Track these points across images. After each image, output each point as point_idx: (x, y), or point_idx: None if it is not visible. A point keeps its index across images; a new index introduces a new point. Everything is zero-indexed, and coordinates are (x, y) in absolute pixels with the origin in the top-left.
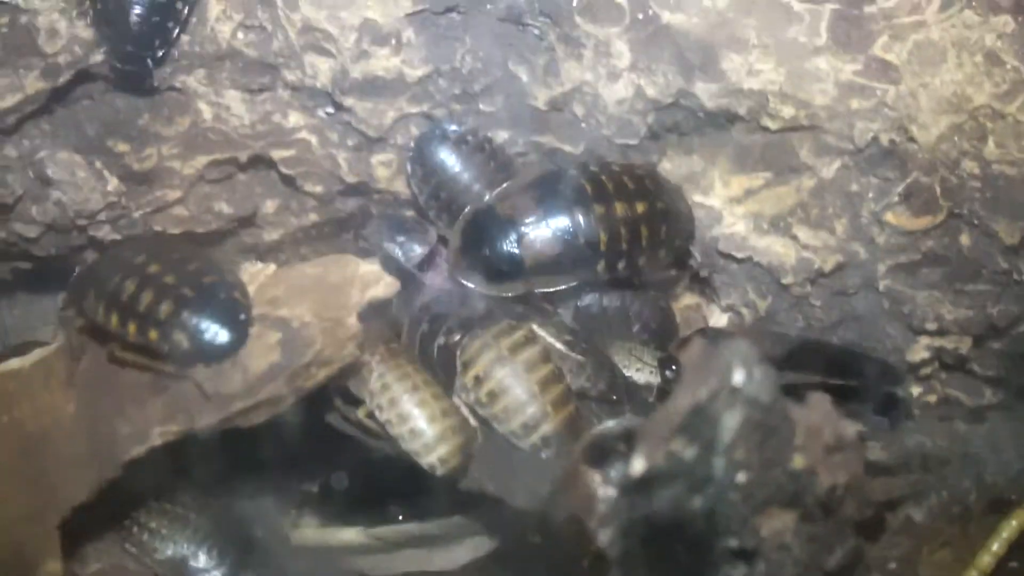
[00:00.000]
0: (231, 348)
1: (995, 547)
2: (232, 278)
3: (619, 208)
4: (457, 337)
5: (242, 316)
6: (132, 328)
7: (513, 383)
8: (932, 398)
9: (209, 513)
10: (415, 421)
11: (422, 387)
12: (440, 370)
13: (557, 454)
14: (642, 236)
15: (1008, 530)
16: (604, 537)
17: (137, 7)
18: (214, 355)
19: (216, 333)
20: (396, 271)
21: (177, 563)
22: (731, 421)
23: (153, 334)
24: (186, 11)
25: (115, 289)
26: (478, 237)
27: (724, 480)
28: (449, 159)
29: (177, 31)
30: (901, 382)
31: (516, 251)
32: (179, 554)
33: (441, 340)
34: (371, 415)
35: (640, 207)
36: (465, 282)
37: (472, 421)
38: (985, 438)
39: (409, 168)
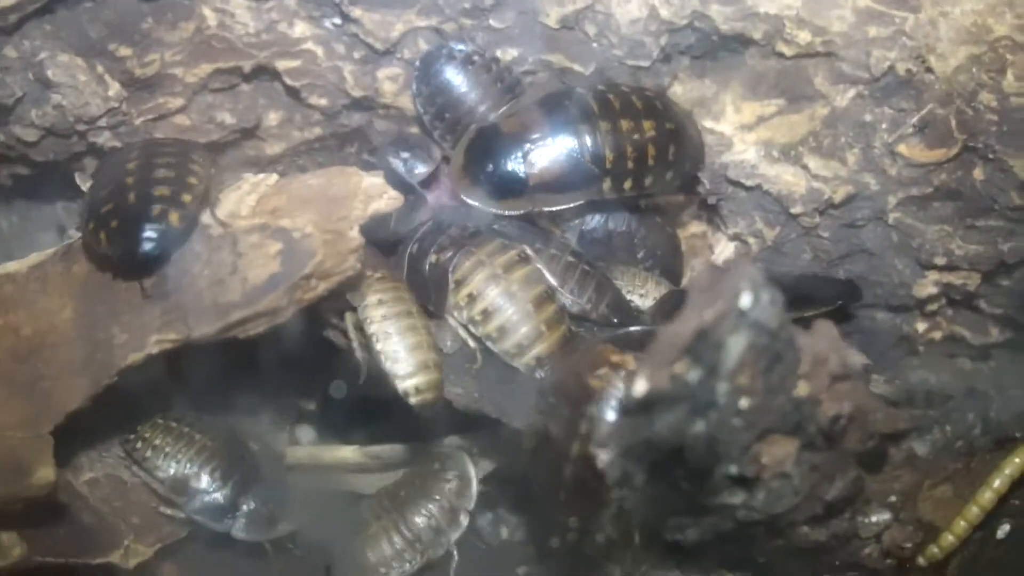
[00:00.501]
0: (140, 265)
1: (996, 483)
2: (184, 188)
3: (625, 126)
4: (449, 254)
5: (159, 233)
6: (102, 236)
7: (507, 302)
8: (938, 335)
9: (212, 432)
10: (399, 343)
11: (415, 314)
12: (432, 288)
13: (551, 373)
14: (649, 156)
15: (1010, 466)
16: (604, 457)
17: None
18: (129, 269)
19: (130, 247)
20: (398, 187)
21: (179, 482)
22: (736, 345)
23: (103, 238)
24: None
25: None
26: (482, 153)
27: (727, 405)
28: (455, 78)
29: None
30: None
31: (520, 167)
32: (181, 473)
33: (432, 258)
34: (359, 327)
35: (648, 127)
36: (468, 199)
37: (471, 343)
38: (990, 376)
39: (415, 87)
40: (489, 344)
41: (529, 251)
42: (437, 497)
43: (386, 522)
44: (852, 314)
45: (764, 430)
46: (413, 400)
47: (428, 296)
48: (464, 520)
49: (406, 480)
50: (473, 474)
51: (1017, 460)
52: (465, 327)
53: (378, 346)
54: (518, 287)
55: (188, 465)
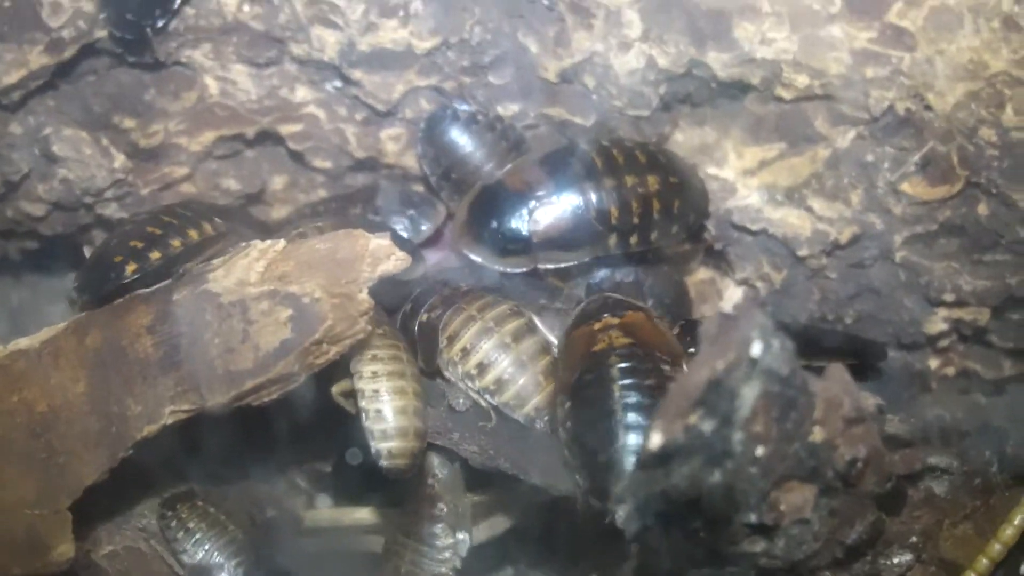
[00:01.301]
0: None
1: (1018, 520)
2: (158, 246)
3: (630, 181)
4: (438, 312)
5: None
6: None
7: (501, 354)
8: (950, 370)
9: (240, 519)
10: (384, 404)
11: (408, 376)
12: (420, 346)
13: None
14: (654, 210)
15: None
16: (622, 512)
17: None
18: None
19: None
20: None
21: (202, 571)
22: (749, 394)
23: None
24: None
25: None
26: (486, 210)
27: (742, 454)
28: (459, 138)
29: (179, 2)
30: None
31: (524, 224)
32: (206, 562)
33: (423, 316)
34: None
35: (652, 181)
36: (471, 256)
37: (482, 401)
38: (1004, 410)
39: (420, 148)
40: (488, 397)
41: (521, 307)
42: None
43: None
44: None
45: (781, 477)
46: (384, 463)
47: (416, 356)
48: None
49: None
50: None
51: None
52: (463, 382)
53: (362, 403)
54: (511, 339)
55: (215, 555)
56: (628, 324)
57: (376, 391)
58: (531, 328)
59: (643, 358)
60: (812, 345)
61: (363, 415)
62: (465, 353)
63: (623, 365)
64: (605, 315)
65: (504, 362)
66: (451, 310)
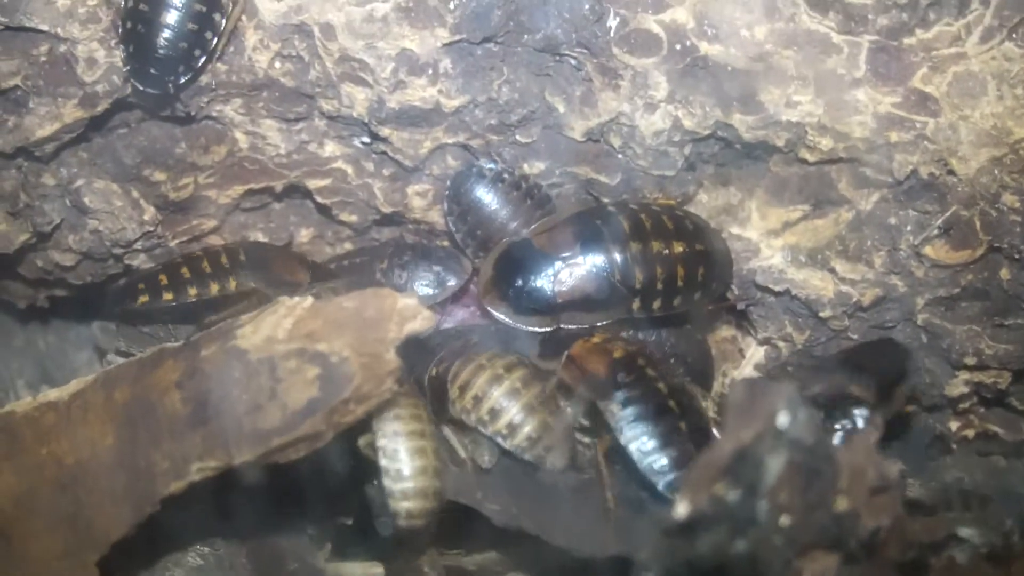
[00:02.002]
0: None
1: None
2: None
3: (656, 247)
4: (447, 366)
5: None
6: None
7: (511, 399)
8: (970, 433)
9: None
10: (404, 463)
11: (428, 436)
12: (431, 401)
13: (560, 465)
14: (679, 277)
15: None
16: None
17: (166, 31)
18: None
19: None
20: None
21: None
22: (775, 464)
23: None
24: (216, 41)
25: None
26: (511, 268)
27: (767, 523)
28: (485, 196)
29: (203, 60)
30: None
31: (549, 285)
32: None
33: (432, 371)
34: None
35: (678, 247)
36: (495, 313)
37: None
38: None
39: (446, 205)
40: (500, 441)
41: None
42: None
43: None
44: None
45: (805, 546)
46: (402, 523)
47: (427, 409)
48: None
49: None
50: None
51: None
52: (476, 428)
53: (383, 461)
54: (521, 384)
55: None
56: (619, 336)
57: (396, 450)
58: (537, 376)
59: (656, 359)
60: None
61: (383, 473)
62: (477, 401)
63: (651, 369)
64: (595, 332)
65: (515, 406)
66: (460, 360)
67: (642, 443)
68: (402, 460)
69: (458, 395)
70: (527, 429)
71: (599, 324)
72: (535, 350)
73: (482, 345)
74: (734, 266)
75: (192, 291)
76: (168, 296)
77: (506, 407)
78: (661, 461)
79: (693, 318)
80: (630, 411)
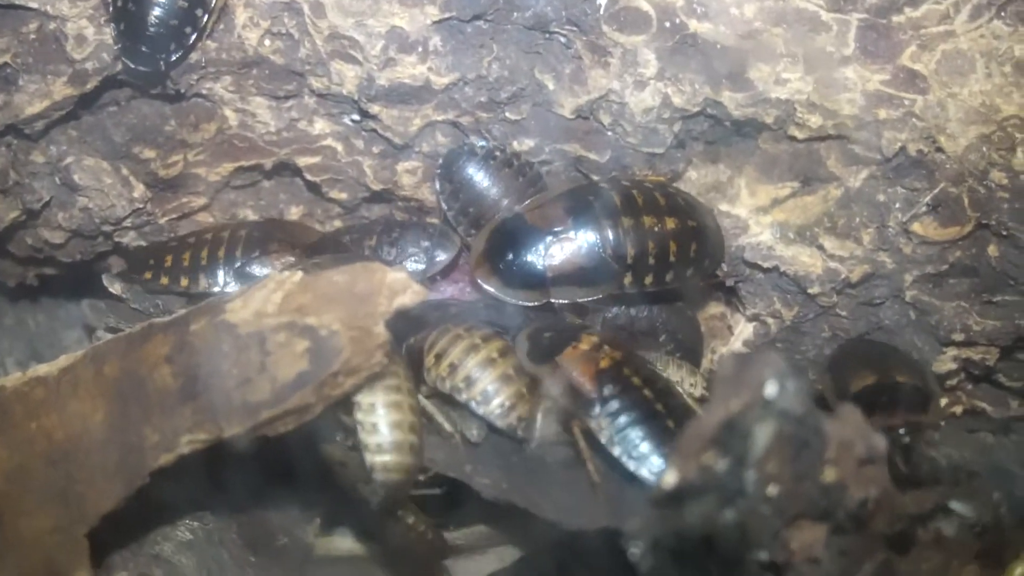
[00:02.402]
0: None
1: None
2: None
3: (648, 222)
4: (424, 335)
5: None
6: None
7: (487, 368)
8: (958, 409)
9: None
10: (380, 418)
11: (404, 392)
12: (407, 368)
13: (533, 437)
14: (671, 252)
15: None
16: (635, 550)
17: (157, 9)
18: None
19: None
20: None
21: None
22: (763, 434)
23: None
24: (206, 19)
25: None
26: (504, 242)
27: (755, 493)
28: (477, 174)
29: (194, 37)
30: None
31: (540, 259)
32: None
33: (411, 340)
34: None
35: (671, 223)
36: (486, 287)
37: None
38: (1012, 450)
39: (437, 184)
40: (474, 407)
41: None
42: None
43: None
44: None
45: (793, 516)
46: (378, 476)
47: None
48: None
49: None
50: None
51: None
52: (450, 395)
53: (358, 415)
54: (498, 354)
55: None
56: (605, 339)
57: (372, 404)
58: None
59: (640, 363)
60: None
61: (359, 428)
62: (453, 368)
63: (636, 377)
64: (582, 335)
65: (490, 375)
66: (438, 330)
67: (635, 451)
68: (378, 414)
69: (434, 363)
70: (501, 398)
71: (591, 298)
72: (524, 348)
73: (461, 317)
74: (724, 250)
75: (184, 281)
76: (164, 280)
77: (481, 376)
78: (656, 462)
79: (684, 295)
80: (620, 421)
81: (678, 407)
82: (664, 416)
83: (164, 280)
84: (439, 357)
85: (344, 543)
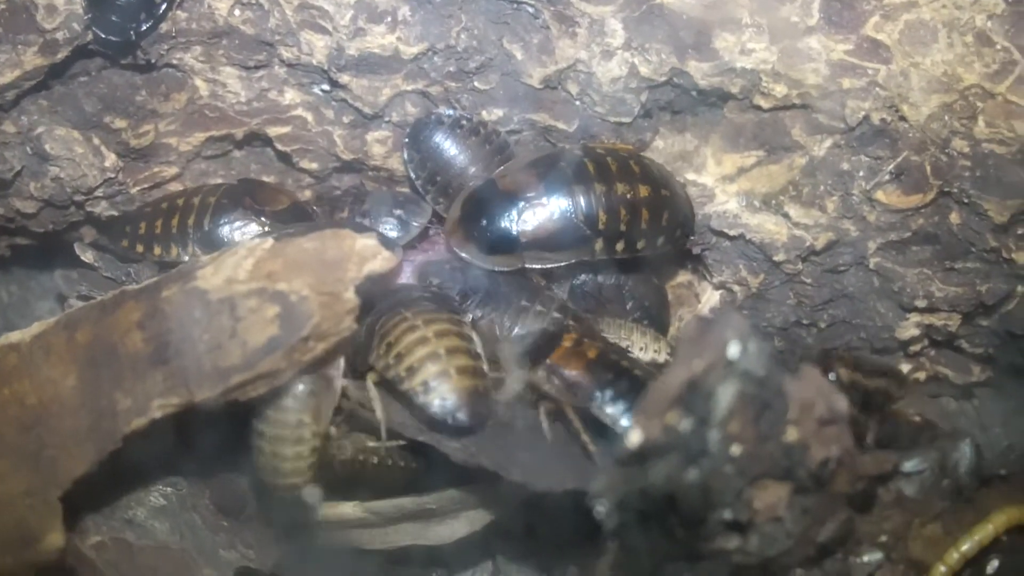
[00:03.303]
0: None
1: (964, 547)
2: None
3: (620, 189)
4: (377, 317)
5: None
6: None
7: (432, 363)
8: (921, 375)
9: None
10: (412, 359)
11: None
12: (356, 348)
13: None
14: (642, 219)
15: (982, 532)
16: (601, 508)
17: None
18: None
19: None
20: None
21: None
22: (726, 394)
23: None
24: None
25: None
26: (477, 208)
27: (718, 453)
28: (444, 143)
29: (164, 7)
30: None
31: (513, 225)
32: None
33: (368, 320)
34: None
35: (643, 191)
36: (460, 252)
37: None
38: (974, 415)
39: (406, 153)
40: (413, 397)
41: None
42: None
43: None
44: None
45: (756, 476)
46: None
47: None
48: None
49: None
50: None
51: (990, 526)
52: (390, 380)
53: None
54: (444, 350)
55: None
56: (582, 332)
57: (399, 355)
58: (464, 335)
59: (618, 347)
60: None
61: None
62: (399, 358)
63: (624, 360)
64: (564, 335)
65: (432, 369)
66: (388, 315)
67: None
68: (409, 359)
69: (386, 350)
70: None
71: (563, 263)
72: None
73: (420, 301)
74: (694, 221)
75: (157, 250)
76: (140, 248)
77: (422, 368)
78: None
79: (652, 263)
80: (621, 405)
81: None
82: None
83: (139, 248)
84: (391, 345)
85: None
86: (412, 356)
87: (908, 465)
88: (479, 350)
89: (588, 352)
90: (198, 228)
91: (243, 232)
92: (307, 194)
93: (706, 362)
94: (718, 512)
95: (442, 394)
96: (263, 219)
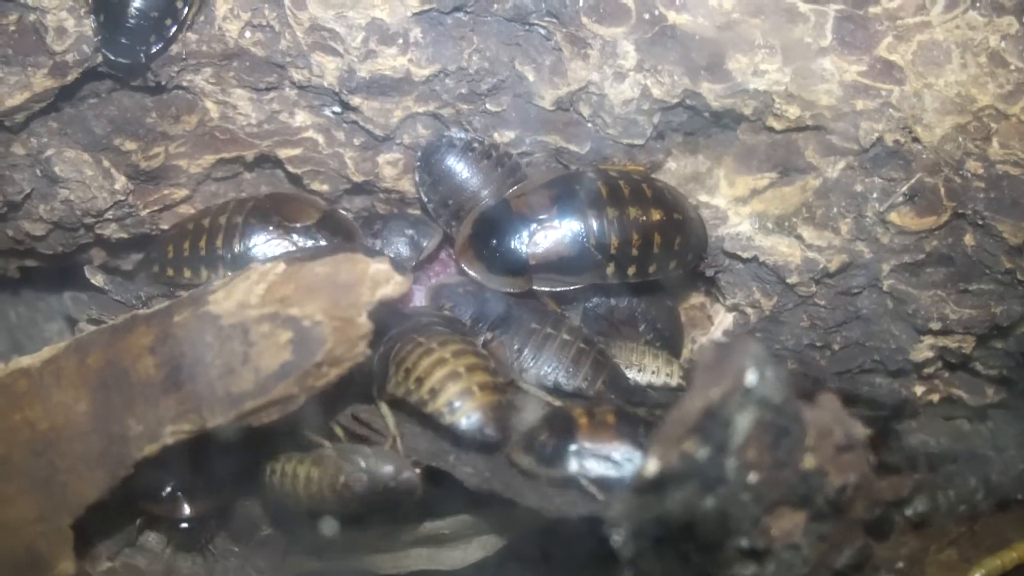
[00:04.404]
0: None
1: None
2: None
3: (633, 213)
4: (392, 345)
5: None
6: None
7: (452, 382)
8: (935, 397)
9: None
10: (432, 382)
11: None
12: (376, 375)
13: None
14: (654, 244)
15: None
16: (617, 537)
17: (137, 1)
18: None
19: None
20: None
21: None
22: (744, 422)
23: None
24: (187, 11)
25: None
26: (487, 229)
27: (736, 480)
28: (456, 166)
29: (175, 29)
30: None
31: (524, 247)
32: None
33: (381, 348)
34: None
35: (656, 215)
36: (470, 272)
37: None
38: (988, 437)
39: (417, 176)
40: (439, 419)
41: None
42: None
43: None
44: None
45: (773, 503)
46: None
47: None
48: None
49: None
50: None
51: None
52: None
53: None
54: (464, 368)
55: None
56: (589, 403)
57: (419, 379)
58: (481, 355)
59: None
60: None
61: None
62: (420, 382)
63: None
64: (571, 413)
65: (453, 388)
66: (404, 341)
67: None
68: (427, 380)
69: (404, 377)
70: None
71: (573, 287)
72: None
73: (433, 327)
74: (707, 244)
75: (187, 272)
76: (170, 272)
77: (444, 387)
78: None
79: (665, 286)
80: None
81: None
82: None
83: (170, 272)
84: (409, 371)
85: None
86: (432, 378)
87: (910, 510)
88: (495, 366)
89: (607, 417)
90: (227, 248)
91: (276, 250)
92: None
93: (723, 390)
94: (735, 539)
95: (467, 412)
96: (295, 236)
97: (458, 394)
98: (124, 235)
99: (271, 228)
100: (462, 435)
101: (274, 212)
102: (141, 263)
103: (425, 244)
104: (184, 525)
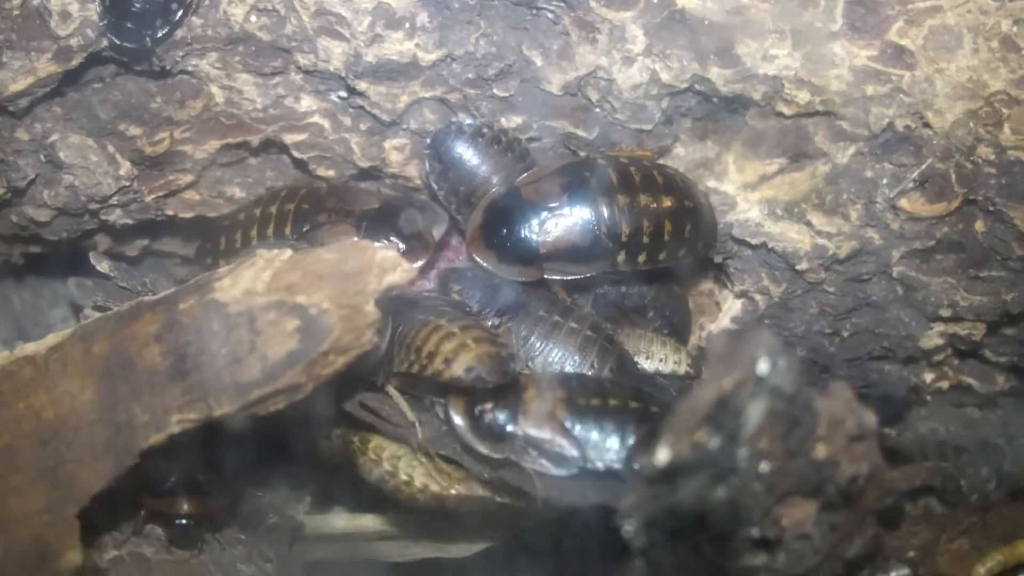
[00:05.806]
0: None
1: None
2: None
3: (644, 201)
4: (400, 327)
5: None
6: None
7: (446, 342)
8: (945, 384)
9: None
10: (430, 343)
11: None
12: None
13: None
14: (665, 232)
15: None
16: (629, 527)
17: None
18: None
19: None
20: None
21: None
22: (755, 411)
23: None
24: None
25: None
26: (498, 217)
27: (747, 470)
28: (466, 153)
29: (181, 13)
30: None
31: (535, 235)
32: None
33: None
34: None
35: (666, 202)
36: (480, 260)
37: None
38: (998, 425)
39: (427, 164)
40: (438, 377)
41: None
42: None
43: None
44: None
45: (784, 492)
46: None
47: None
48: None
49: None
50: None
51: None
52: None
53: (416, 368)
54: (459, 329)
55: None
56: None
57: (418, 349)
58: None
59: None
60: None
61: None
62: (431, 357)
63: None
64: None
65: (449, 345)
66: (418, 323)
67: None
68: (426, 343)
69: (417, 355)
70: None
71: (583, 275)
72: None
73: (445, 308)
74: (717, 232)
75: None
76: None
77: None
78: None
79: (674, 273)
80: None
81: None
82: None
83: (222, 265)
84: (419, 350)
85: (335, 521)
86: (429, 344)
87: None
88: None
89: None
90: (279, 238)
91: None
92: None
93: (735, 379)
94: (746, 529)
95: (465, 362)
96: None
97: (453, 349)
98: (129, 221)
99: (327, 215)
100: (460, 383)
101: (328, 198)
102: (197, 253)
103: (435, 231)
104: (181, 522)
